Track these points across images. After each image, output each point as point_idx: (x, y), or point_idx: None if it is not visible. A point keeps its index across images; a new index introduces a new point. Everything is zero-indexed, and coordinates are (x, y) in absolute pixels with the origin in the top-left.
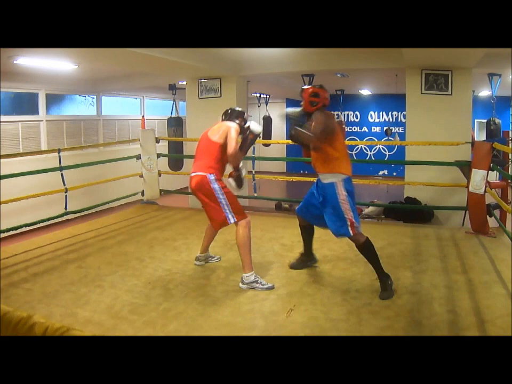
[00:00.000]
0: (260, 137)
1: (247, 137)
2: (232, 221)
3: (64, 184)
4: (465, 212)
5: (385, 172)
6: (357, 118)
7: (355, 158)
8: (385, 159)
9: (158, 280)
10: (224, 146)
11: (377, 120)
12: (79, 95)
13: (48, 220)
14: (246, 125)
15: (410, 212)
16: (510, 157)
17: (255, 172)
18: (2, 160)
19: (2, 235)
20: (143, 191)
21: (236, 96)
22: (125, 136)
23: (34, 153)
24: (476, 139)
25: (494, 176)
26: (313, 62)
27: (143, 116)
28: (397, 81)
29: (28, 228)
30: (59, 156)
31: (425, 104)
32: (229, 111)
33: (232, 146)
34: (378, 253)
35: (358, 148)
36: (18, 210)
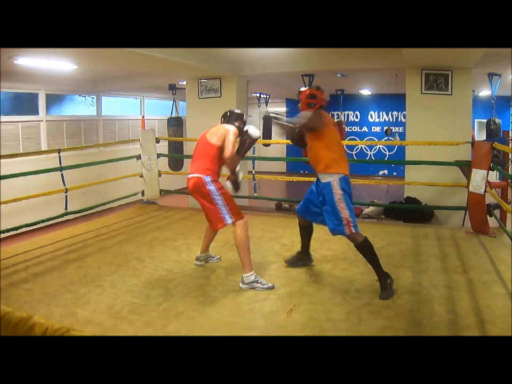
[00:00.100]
0: (260, 137)
1: (245, 141)
2: (229, 221)
3: (64, 184)
4: (465, 212)
5: (385, 171)
6: (357, 118)
7: (355, 158)
8: (385, 159)
9: (158, 280)
10: (221, 148)
11: (377, 120)
12: (79, 95)
13: (48, 220)
14: (245, 129)
15: (410, 212)
16: (510, 157)
17: (255, 171)
18: (2, 160)
19: (2, 235)
20: (143, 191)
21: (235, 96)
22: (125, 136)
23: (34, 153)
24: (476, 139)
25: (494, 176)
26: (313, 62)
27: (143, 116)
28: (397, 81)
29: (28, 228)
30: (59, 156)
31: (425, 104)
32: (228, 113)
33: (229, 150)
34: (378, 252)
35: (358, 147)
36: (18, 210)
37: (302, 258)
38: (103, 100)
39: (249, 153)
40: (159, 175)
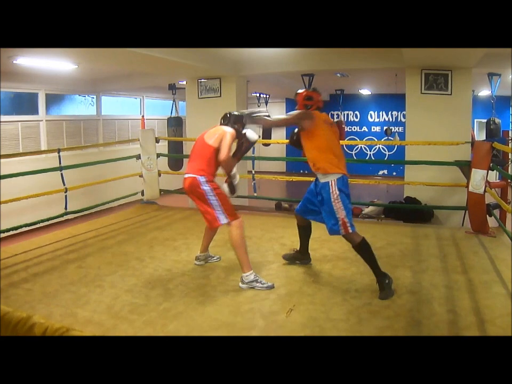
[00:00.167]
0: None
1: (242, 144)
2: (224, 221)
3: (64, 184)
4: (465, 212)
5: (385, 171)
6: (356, 118)
7: (355, 157)
8: (385, 159)
9: (158, 280)
10: (218, 150)
11: (377, 120)
12: (79, 95)
13: (48, 219)
14: (243, 132)
15: (410, 212)
16: (509, 157)
17: (254, 171)
18: (2, 160)
19: (2, 235)
20: (143, 191)
21: (235, 96)
22: (125, 136)
23: (34, 153)
24: (475, 139)
25: (494, 176)
26: (313, 62)
27: (142, 116)
28: (396, 81)
29: (27, 228)
30: (59, 156)
31: (425, 104)
32: (228, 115)
33: (224, 153)
34: (378, 252)
35: (358, 147)
36: (18, 210)
37: (300, 258)
38: (103, 100)
39: (249, 153)
40: (159, 175)
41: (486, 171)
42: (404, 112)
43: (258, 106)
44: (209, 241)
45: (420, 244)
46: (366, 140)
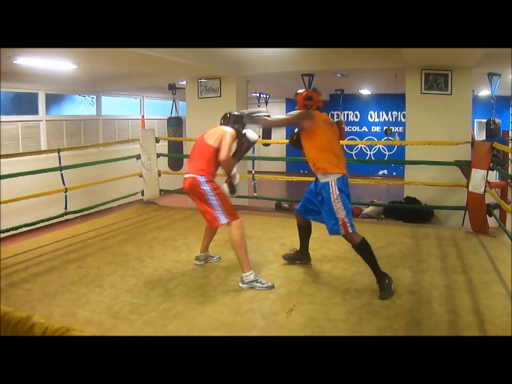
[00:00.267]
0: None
1: (242, 145)
2: (224, 221)
3: (64, 184)
4: (465, 212)
5: (385, 171)
6: (356, 118)
7: (355, 157)
8: (385, 159)
9: (158, 280)
10: (218, 150)
11: (377, 120)
12: (79, 95)
13: (48, 219)
14: (243, 132)
15: (410, 212)
16: (509, 157)
17: (254, 171)
18: (2, 160)
19: (2, 235)
20: (143, 191)
21: (235, 96)
22: (125, 136)
23: (34, 153)
24: (475, 139)
25: (494, 176)
26: (313, 62)
27: (142, 116)
28: (396, 81)
29: (27, 228)
30: (59, 156)
31: (425, 104)
32: (228, 115)
33: (224, 153)
34: (378, 252)
35: (358, 147)
36: (18, 210)
37: (301, 258)
38: (103, 100)
39: (249, 153)
40: (159, 175)
41: (486, 171)
42: (404, 112)
43: (258, 106)
44: (209, 241)
45: (420, 243)
46: (366, 140)
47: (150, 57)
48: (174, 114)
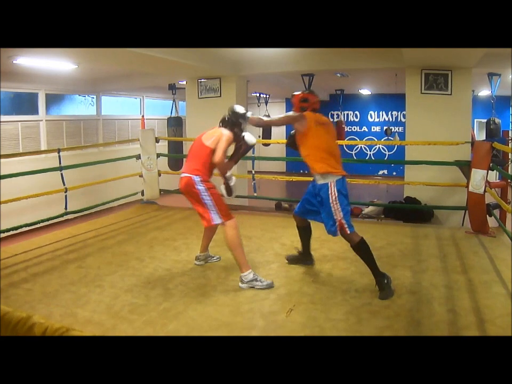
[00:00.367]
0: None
1: (240, 147)
2: (218, 221)
3: (64, 184)
4: (465, 212)
5: (385, 171)
6: (356, 118)
7: (355, 157)
8: (385, 158)
9: (158, 280)
10: (214, 151)
11: (377, 119)
12: (79, 95)
13: (48, 220)
14: (242, 135)
15: (410, 212)
16: (509, 157)
17: (254, 171)
18: (2, 160)
19: (2, 235)
20: (143, 191)
21: (235, 96)
22: (125, 136)
23: (34, 153)
24: (475, 139)
25: (494, 176)
26: (313, 62)
27: (142, 116)
28: (396, 81)
29: (27, 228)
30: (59, 156)
31: (425, 104)
32: (227, 118)
33: (218, 155)
34: (378, 252)
35: (358, 147)
36: (18, 210)
37: (303, 259)
38: (102, 100)
39: (249, 153)
40: (159, 175)
41: (486, 171)
42: (404, 112)
43: (258, 106)
44: (209, 241)
45: (419, 243)
46: (366, 140)
47: (150, 57)
48: (174, 114)
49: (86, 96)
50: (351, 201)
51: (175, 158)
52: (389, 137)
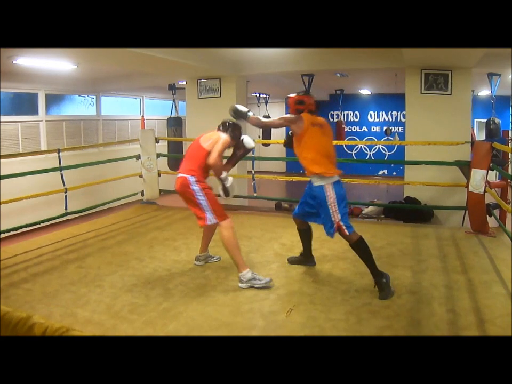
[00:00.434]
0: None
1: (238, 150)
2: (212, 221)
3: (64, 184)
4: (465, 212)
5: (385, 171)
6: (356, 118)
7: (355, 157)
8: (385, 158)
9: (158, 280)
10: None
11: (376, 119)
12: (79, 95)
13: (48, 220)
14: (240, 138)
15: (410, 212)
16: (509, 157)
17: (254, 171)
18: (2, 160)
19: (2, 235)
20: (143, 191)
21: (235, 96)
22: (125, 136)
23: (34, 153)
24: (475, 139)
25: (494, 176)
26: (313, 62)
27: (142, 116)
28: (396, 81)
29: (28, 228)
30: (59, 156)
31: (425, 104)
32: (227, 123)
33: (213, 158)
34: (378, 252)
35: (358, 147)
36: (18, 210)
37: (305, 261)
38: (102, 100)
39: (249, 154)
40: (159, 175)
41: (486, 171)
42: (404, 112)
43: (258, 106)
44: (209, 241)
45: (419, 243)
46: (366, 140)
47: (150, 57)
48: (173, 115)
49: (86, 96)
50: (351, 201)
51: (175, 158)
52: (389, 137)
